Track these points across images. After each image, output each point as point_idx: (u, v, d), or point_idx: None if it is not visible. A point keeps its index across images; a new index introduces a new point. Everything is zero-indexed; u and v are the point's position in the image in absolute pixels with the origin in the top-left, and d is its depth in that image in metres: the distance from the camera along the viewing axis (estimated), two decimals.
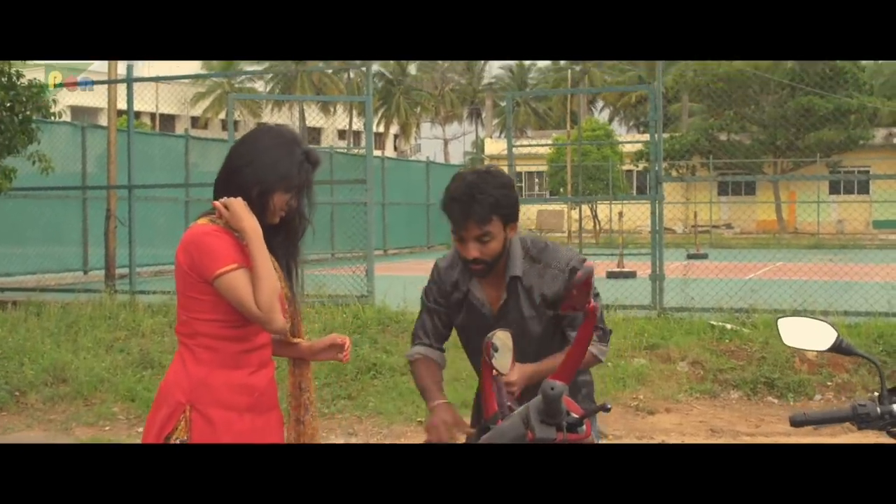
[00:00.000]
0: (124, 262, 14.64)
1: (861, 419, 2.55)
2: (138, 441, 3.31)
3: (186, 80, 53.27)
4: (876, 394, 2.58)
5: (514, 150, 13.41)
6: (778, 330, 2.87)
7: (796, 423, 2.70)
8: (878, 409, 2.53)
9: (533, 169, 47.14)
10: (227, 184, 3.25)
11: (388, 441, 7.91)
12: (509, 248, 3.56)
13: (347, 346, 3.55)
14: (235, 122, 16.20)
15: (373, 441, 7.97)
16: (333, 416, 8.57)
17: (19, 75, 10.89)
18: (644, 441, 7.94)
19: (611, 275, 17.56)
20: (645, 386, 9.21)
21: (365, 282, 12.26)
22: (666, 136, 37.27)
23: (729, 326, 10.23)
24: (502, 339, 2.83)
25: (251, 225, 3.13)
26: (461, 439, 3.38)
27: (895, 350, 9.39)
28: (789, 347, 2.92)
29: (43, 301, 12.09)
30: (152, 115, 52.72)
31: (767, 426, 8.35)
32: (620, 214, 22.37)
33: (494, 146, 54.67)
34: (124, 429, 8.28)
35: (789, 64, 39.98)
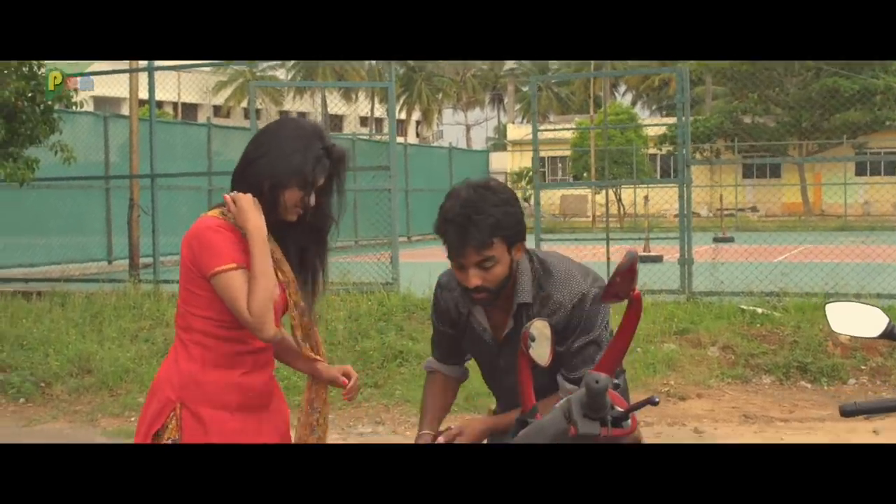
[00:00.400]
0: (148, 252, 14.61)
1: None
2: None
3: (208, 69, 53.27)
4: None
5: (537, 134, 13.28)
6: (826, 315, 2.76)
7: (847, 412, 2.59)
8: None
9: (556, 154, 46.95)
10: (242, 175, 3.14)
11: (414, 430, 7.82)
12: (517, 270, 3.15)
13: (352, 385, 3.32)
14: (257, 111, 16.14)
15: (400, 429, 7.89)
16: (360, 404, 8.49)
17: (40, 65, 10.84)
18: (676, 427, 7.82)
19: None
20: (675, 371, 9.08)
21: (389, 269, 12.17)
22: (690, 119, 37.02)
23: (760, 310, 10.08)
24: (540, 328, 2.69)
25: (255, 224, 3.00)
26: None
27: None
28: (833, 332, 2.81)
29: (67, 291, 12.06)
30: (174, 105, 52.80)
31: (801, 411, 8.21)
32: (646, 198, 22.20)
33: (517, 131, 54.51)
34: None
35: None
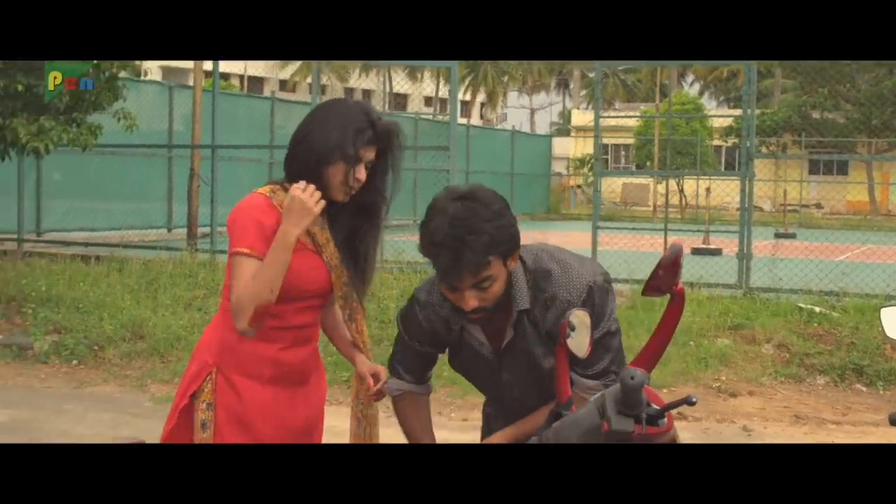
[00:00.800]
0: (206, 222, 14.71)
1: None
2: None
3: None
4: None
5: (600, 121, 13.17)
6: (880, 320, 2.67)
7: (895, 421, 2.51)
8: None
9: (619, 141, 46.61)
10: (292, 156, 3.15)
11: (462, 412, 7.80)
12: (512, 279, 2.91)
13: (377, 388, 3.21)
14: (323, 87, 16.11)
15: (445, 411, 7.85)
16: None
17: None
18: (725, 424, 7.71)
19: (696, 251, 17.19)
20: (728, 367, 8.96)
21: None
22: (757, 112, 36.51)
23: (818, 309, 9.91)
24: (580, 317, 2.61)
25: (285, 229, 2.98)
26: None
27: None
28: (889, 338, 2.71)
29: (125, 257, 12.17)
30: (241, 77, 53.14)
31: (855, 414, 8.07)
32: (708, 190, 21.93)
33: (581, 117, 54.13)
34: None
35: None
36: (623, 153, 49.54)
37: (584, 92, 72.88)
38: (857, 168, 44.63)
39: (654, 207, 32.43)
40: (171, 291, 10.62)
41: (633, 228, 16.07)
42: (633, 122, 40.29)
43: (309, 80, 59.57)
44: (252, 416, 3.15)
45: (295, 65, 60.57)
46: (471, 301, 2.81)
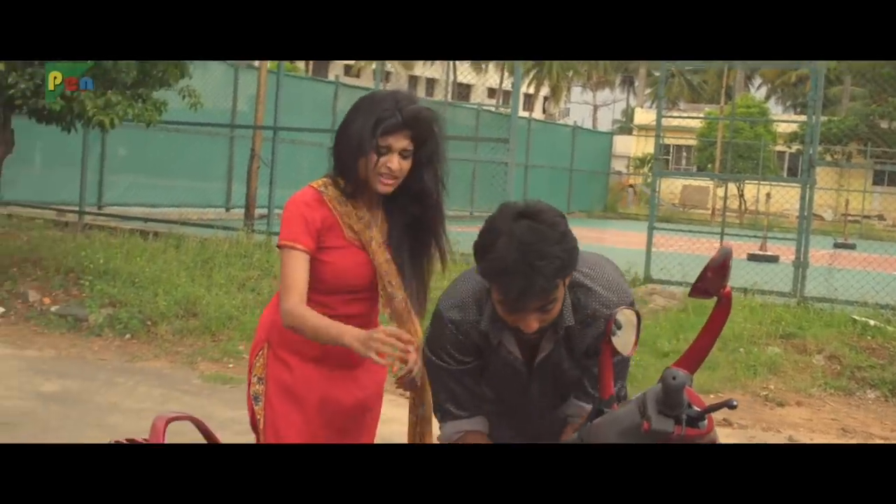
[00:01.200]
0: (264, 203, 14.84)
1: None
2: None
3: None
4: None
5: (662, 121, 13.09)
6: None
7: None
8: None
9: (681, 142, 46.24)
10: (335, 146, 3.22)
11: None
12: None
13: (404, 372, 2.96)
14: (388, 74, 16.13)
15: None
16: None
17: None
18: (770, 433, 7.65)
19: (752, 257, 17.04)
20: (777, 376, 8.88)
21: None
22: (824, 118, 36.01)
23: (872, 322, 9.79)
24: (627, 315, 2.63)
25: (345, 336, 2.90)
26: None
27: None
28: None
29: (183, 234, 12.31)
30: (306, 61, 53.36)
31: None
32: (768, 196, 21.73)
33: (645, 116, 53.75)
34: (246, 368, 8.33)
35: None
36: (685, 154, 49.15)
37: (648, 90, 72.34)
38: None
39: (713, 211, 32.17)
40: (226, 271, 10.73)
41: (690, 231, 15.95)
42: (696, 124, 39.95)
43: (374, 66, 59.83)
44: (300, 388, 3.25)
45: None
46: (533, 324, 2.74)
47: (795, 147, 40.05)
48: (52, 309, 9.62)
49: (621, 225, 28.94)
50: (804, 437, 7.60)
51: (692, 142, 43.16)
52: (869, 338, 9.48)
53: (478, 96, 56.92)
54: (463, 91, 57.52)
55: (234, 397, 7.19)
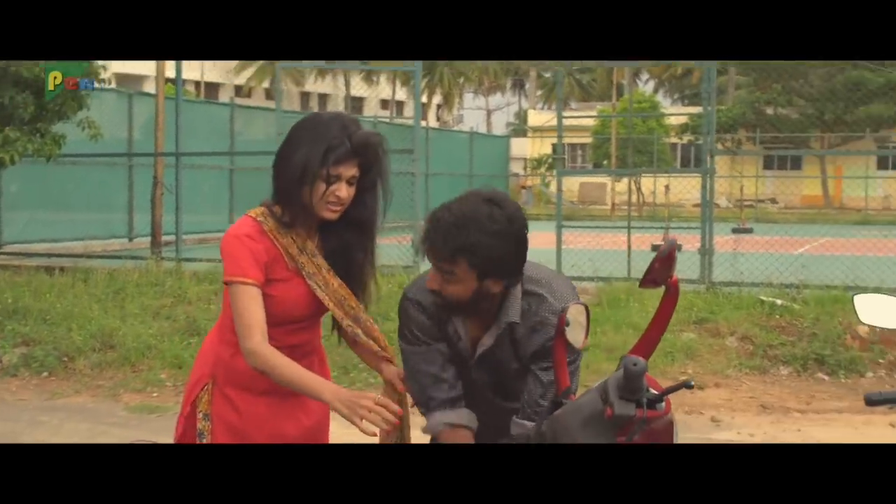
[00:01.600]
0: (170, 230, 14.69)
1: None
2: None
3: None
4: None
5: (562, 121, 13.31)
6: (854, 306, 2.80)
7: (872, 401, 2.64)
8: None
9: (576, 141, 46.83)
10: (276, 173, 3.10)
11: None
12: (503, 294, 2.97)
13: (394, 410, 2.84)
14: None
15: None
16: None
17: None
18: (693, 415, 7.86)
19: (655, 248, 17.36)
20: (694, 360, 9.12)
21: (411, 252, 12.22)
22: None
23: (779, 302, 10.10)
24: (574, 314, 2.74)
25: (326, 393, 2.85)
26: None
27: None
28: (853, 324, 2.85)
29: (90, 267, 12.14)
30: (196, 84, 52.84)
31: (819, 403, 8.25)
32: (667, 188, 22.15)
33: (538, 117, 54.38)
34: (171, 395, 8.29)
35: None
36: (580, 153, 49.82)
37: (539, 92, 73.20)
38: (810, 163, 45.25)
39: (613, 206, 32.69)
40: (139, 300, 10.62)
41: (596, 227, 16.22)
42: (589, 122, 40.53)
43: (265, 84, 59.36)
44: (247, 426, 3.17)
45: (250, 70, 60.26)
46: (433, 279, 2.95)
47: (687, 138, 40.90)
48: None
49: None
50: (726, 417, 7.83)
51: (587, 140, 43.76)
52: (777, 317, 9.78)
53: (371, 109, 56.93)
54: (357, 104, 57.50)
55: (164, 425, 7.13)
